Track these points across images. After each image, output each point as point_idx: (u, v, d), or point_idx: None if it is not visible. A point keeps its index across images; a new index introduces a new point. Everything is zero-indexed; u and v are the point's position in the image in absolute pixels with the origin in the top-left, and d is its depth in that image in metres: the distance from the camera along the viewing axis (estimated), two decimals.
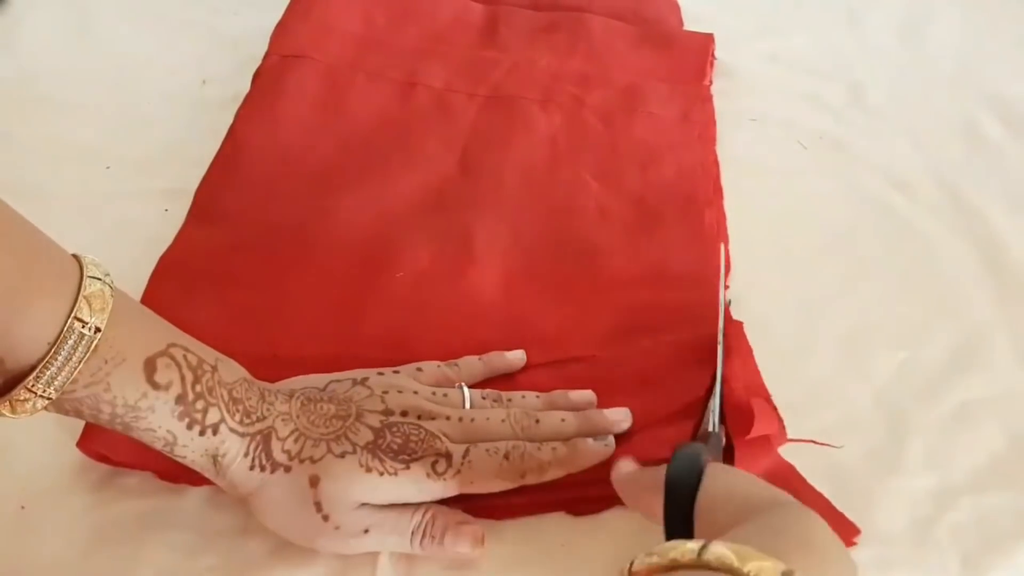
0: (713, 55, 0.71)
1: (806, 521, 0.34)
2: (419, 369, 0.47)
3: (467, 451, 0.43)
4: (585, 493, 0.45)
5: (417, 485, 0.42)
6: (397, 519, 0.42)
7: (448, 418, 0.44)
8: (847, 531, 0.44)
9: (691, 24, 0.75)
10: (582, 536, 0.44)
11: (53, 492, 0.44)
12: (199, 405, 0.39)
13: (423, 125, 0.63)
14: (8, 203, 0.36)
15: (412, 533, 0.42)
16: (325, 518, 0.41)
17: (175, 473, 0.44)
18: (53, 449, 0.46)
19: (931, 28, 0.77)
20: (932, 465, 0.47)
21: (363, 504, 0.42)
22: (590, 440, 0.45)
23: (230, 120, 0.62)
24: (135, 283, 0.51)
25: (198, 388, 0.39)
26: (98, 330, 0.36)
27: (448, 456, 0.43)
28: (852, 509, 0.45)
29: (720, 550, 0.29)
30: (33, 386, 0.35)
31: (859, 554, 0.43)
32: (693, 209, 0.59)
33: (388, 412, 0.44)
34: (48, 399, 0.36)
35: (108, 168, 0.60)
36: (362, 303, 0.52)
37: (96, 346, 0.36)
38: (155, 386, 0.38)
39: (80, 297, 0.36)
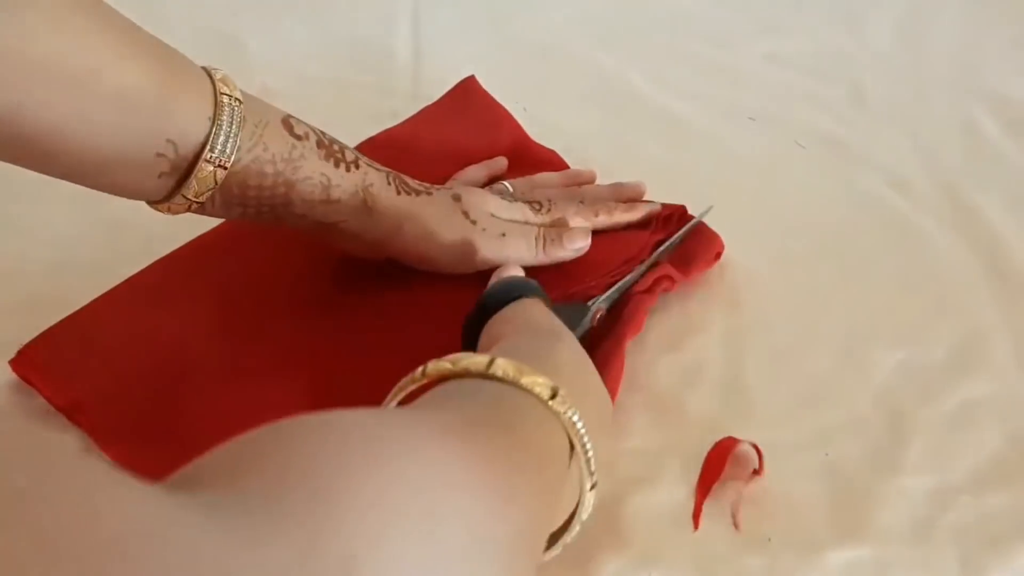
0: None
1: (558, 351, 0.39)
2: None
3: (552, 201, 0.55)
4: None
5: (523, 212, 0.53)
6: (523, 229, 0.52)
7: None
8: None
9: (690, 22, 0.75)
10: None
11: None
12: (336, 147, 0.47)
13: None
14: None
15: (536, 240, 0.52)
16: (473, 222, 0.51)
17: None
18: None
19: (930, 28, 0.77)
20: (932, 465, 0.47)
21: (494, 215, 0.52)
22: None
23: None
24: None
25: (326, 137, 0.47)
26: (239, 101, 0.43)
27: (539, 203, 0.54)
28: (852, 509, 0.45)
29: (504, 364, 0.34)
30: (209, 156, 0.42)
31: (859, 554, 0.43)
32: None
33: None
34: (224, 168, 0.42)
35: None
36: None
37: (244, 115, 0.43)
38: (297, 138, 0.45)
39: (215, 80, 0.43)
